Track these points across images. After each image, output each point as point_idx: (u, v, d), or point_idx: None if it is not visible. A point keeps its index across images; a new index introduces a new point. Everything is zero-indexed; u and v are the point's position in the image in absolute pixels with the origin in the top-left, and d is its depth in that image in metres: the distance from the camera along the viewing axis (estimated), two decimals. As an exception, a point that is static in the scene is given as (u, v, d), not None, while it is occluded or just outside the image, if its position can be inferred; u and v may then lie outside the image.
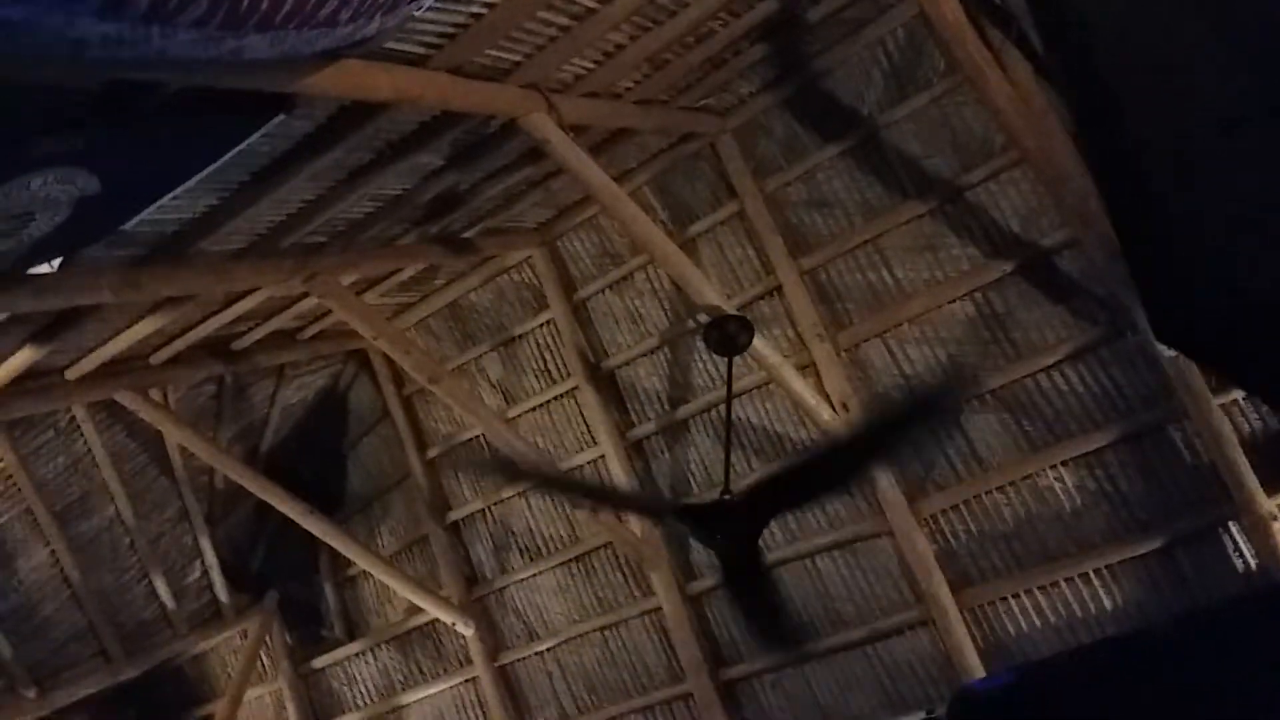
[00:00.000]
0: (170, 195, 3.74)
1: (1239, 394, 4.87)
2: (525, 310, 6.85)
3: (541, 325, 6.79)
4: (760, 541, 4.65)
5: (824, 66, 5.61)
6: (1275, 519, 4.82)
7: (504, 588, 7.12)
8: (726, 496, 4.54)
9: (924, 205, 5.51)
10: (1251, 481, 4.84)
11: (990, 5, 4.62)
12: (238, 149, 3.59)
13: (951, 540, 5.65)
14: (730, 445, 5.39)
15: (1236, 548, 4.98)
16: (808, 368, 5.81)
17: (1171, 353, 4.84)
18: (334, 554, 7.38)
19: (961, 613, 5.58)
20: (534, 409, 6.87)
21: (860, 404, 5.72)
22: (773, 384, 5.81)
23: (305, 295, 5.52)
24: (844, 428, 5.58)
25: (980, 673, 5.45)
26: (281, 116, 3.53)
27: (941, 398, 4.92)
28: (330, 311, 6.00)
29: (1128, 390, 5.18)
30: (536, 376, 6.87)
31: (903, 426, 4.40)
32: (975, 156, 5.37)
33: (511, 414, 6.88)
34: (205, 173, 3.65)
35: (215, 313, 5.46)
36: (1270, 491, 4.82)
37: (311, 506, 6.70)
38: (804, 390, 5.56)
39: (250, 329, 6.08)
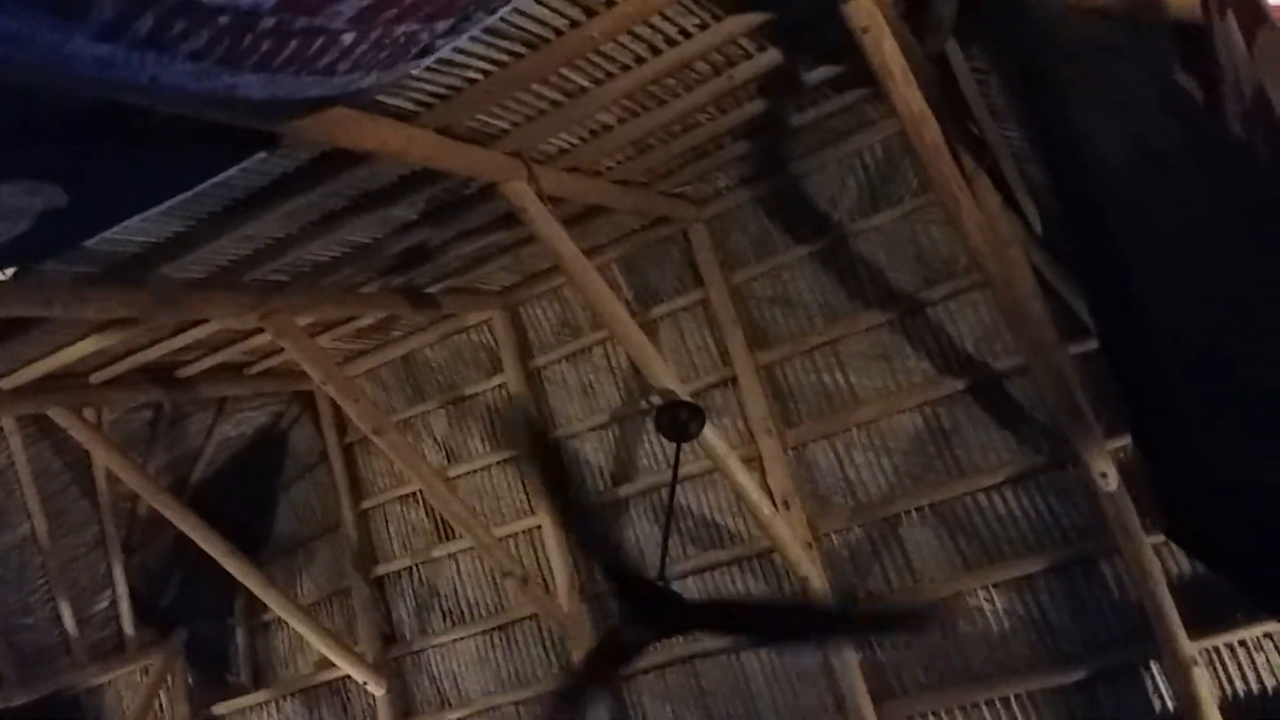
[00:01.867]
0: (138, 218, 3.69)
1: (1171, 536, 4.95)
2: (479, 371, 6.81)
3: (493, 388, 6.75)
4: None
5: (802, 170, 5.74)
6: (1196, 664, 4.86)
7: (421, 650, 6.96)
8: (661, 582, 4.51)
9: (884, 315, 5.61)
10: (1176, 624, 4.89)
11: (967, 133, 4.77)
12: (214, 180, 3.57)
13: (878, 651, 5.63)
14: (669, 530, 5.35)
15: (1156, 689, 5.02)
16: (753, 461, 5.82)
17: (1111, 487, 4.93)
18: (250, 597, 7.14)
19: (882, 727, 5.55)
20: (476, 471, 6.79)
21: (802, 504, 5.74)
22: (716, 473, 5.80)
23: (258, 331, 5.45)
24: (820, 601, 5.58)
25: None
26: (264, 154, 3.52)
27: (915, 622, 5.11)
28: (281, 350, 5.91)
29: (1064, 520, 5.25)
30: (482, 439, 6.80)
31: (872, 630, 4.73)
32: (938, 274, 5.50)
33: (453, 474, 6.80)
34: (178, 199, 3.62)
35: (163, 338, 5.36)
36: (1194, 636, 4.87)
37: (233, 546, 6.51)
38: (747, 483, 5.54)
39: (197, 358, 5.96)
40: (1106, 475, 4.92)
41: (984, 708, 5.38)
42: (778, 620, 4.52)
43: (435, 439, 6.94)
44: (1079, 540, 5.19)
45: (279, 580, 7.27)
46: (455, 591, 6.91)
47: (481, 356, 6.80)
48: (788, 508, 5.73)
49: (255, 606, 7.45)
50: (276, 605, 6.87)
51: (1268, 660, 4.85)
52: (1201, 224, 1.90)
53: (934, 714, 5.49)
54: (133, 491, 6.62)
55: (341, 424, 7.19)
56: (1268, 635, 4.83)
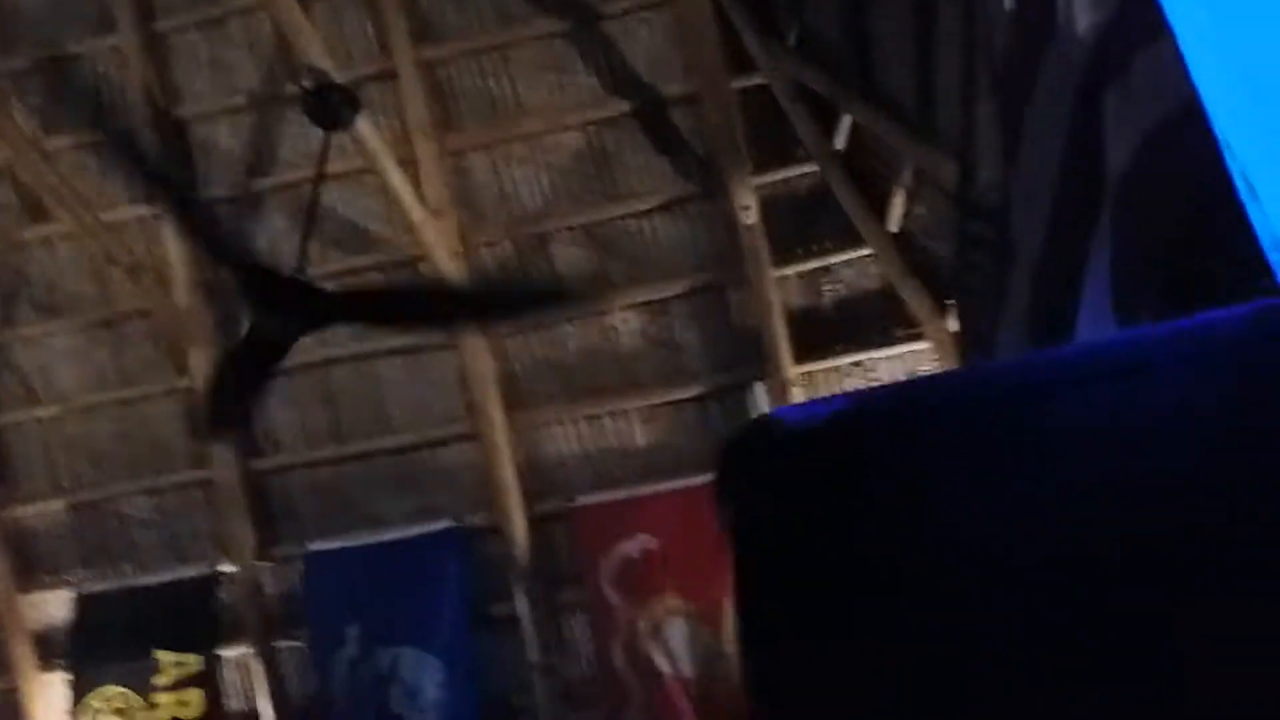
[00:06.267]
0: None
1: (793, 270, 5.39)
2: (85, 26, 5.78)
3: (105, 50, 5.78)
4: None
5: None
6: (794, 385, 5.45)
7: (6, 343, 6.15)
8: (299, 276, 4.27)
9: (559, 23, 5.42)
10: (785, 350, 5.42)
11: None
12: None
13: (515, 363, 5.76)
14: (311, 228, 4.99)
15: (758, 405, 5.58)
16: (408, 164, 5.52)
17: (751, 220, 5.22)
18: None
19: (510, 432, 5.73)
20: (80, 146, 5.87)
21: (456, 213, 5.58)
22: (367, 174, 5.47)
23: None
24: (463, 278, 5.46)
25: (512, 486, 5.63)
26: None
27: (565, 295, 5.19)
28: None
29: (703, 248, 5.53)
30: (90, 110, 5.88)
31: (520, 304, 4.67)
32: (619, -13, 5.34)
33: (50, 146, 5.84)
34: None
35: None
36: (797, 360, 5.43)
37: None
38: (400, 186, 5.29)
39: None
40: (749, 208, 5.21)
41: (606, 419, 5.73)
42: (419, 301, 4.44)
43: (28, 102, 5.89)
44: (714, 268, 5.51)
45: None
46: (50, 280, 6.11)
47: (90, 9, 5.75)
48: (440, 215, 5.54)
49: None
50: None
51: (854, 383, 5.53)
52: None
53: (559, 423, 5.76)
54: None
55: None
56: (856, 363, 5.49)
